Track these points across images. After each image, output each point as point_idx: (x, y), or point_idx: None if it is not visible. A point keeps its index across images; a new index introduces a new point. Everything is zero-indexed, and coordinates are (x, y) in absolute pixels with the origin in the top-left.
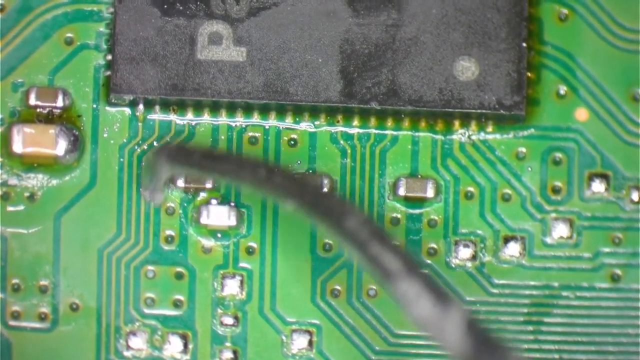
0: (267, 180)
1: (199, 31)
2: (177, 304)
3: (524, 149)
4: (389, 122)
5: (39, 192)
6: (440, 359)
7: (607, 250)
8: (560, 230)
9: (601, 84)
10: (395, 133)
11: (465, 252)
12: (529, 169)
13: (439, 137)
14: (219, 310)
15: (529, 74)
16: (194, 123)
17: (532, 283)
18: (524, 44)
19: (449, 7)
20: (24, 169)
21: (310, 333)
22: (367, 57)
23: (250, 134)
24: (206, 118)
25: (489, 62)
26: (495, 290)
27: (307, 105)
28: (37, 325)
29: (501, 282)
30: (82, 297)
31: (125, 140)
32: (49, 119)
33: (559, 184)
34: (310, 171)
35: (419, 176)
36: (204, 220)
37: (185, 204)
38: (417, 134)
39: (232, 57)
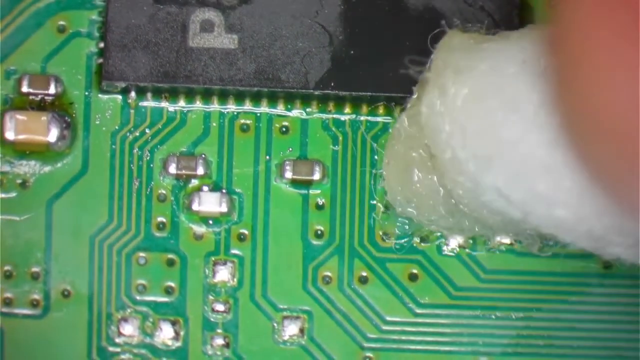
0: None
1: (190, 18)
2: (168, 291)
3: None
4: (381, 110)
5: (31, 179)
6: (431, 346)
7: None
8: None
9: None
10: (387, 119)
11: (457, 239)
12: None
13: None
14: (210, 297)
15: None
16: (185, 110)
17: (524, 269)
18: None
19: None
20: (16, 156)
21: (301, 320)
22: (359, 44)
23: (242, 121)
24: (198, 105)
25: None
26: (487, 277)
27: (299, 92)
28: (29, 311)
29: (493, 268)
30: (74, 283)
31: (117, 127)
32: (41, 106)
33: None
34: (302, 158)
35: None
36: (195, 207)
37: (177, 191)
38: None
39: (223, 44)
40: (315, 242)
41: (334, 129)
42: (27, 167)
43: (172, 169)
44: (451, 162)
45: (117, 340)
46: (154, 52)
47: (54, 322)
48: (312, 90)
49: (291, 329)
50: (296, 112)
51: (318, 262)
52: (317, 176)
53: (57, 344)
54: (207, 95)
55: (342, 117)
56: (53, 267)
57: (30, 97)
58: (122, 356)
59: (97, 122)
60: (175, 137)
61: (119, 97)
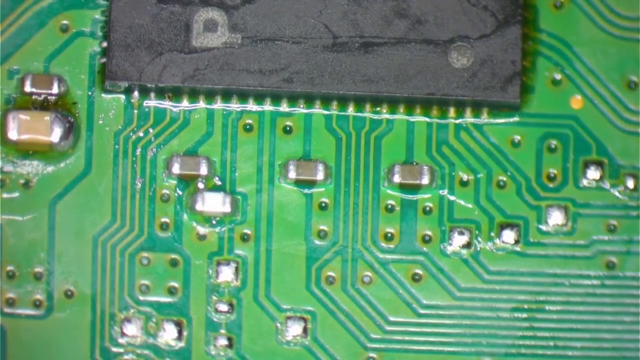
0: None
1: (194, 18)
2: (171, 291)
3: (518, 136)
4: (384, 109)
5: (34, 179)
6: (435, 346)
7: (602, 237)
8: (556, 218)
9: (596, 72)
10: (390, 119)
11: (460, 239)
12: None
13: (434, 123)
14: (214, 297)
15: (524, 62)
16: (189, 110)
17: (527, 270)
18: (520, 31)
19: None
20: (19, 156)
21: (304, 320)
22: (362, 44)
23: (246, 120)
24: (201, 105)
25: (484, 49)
26: (490, 278)
27: (302, 92)
28: (32, 312)
29: (496, 269)
30: (77, 284)
31: (120, 127)
32: (44, 106)
33: (554, 171)
34: (305, 158)
35: (414, 163)
36: (199, 207)
37: (180, 191)
38: (412, 120)
39: (227, 44)
40: (318, 242)
41: (337, 128)
42: (30, 167)
43: (176, 168)
44: None
45: (120, 340)
46: (157, 52)
47: (57, 322)
48: (315, 90)
49: (295, 329)
50: (300, 112)
51: (321, 262)
52: (320, 176)
53: (60, 344)
54: (210, 95)
55: (346, 117)
56: (56, 267)
57: (33, 97)
58: (125, 357)
59: (101, 122)
60: (179, 137)
61: (122, 96)
